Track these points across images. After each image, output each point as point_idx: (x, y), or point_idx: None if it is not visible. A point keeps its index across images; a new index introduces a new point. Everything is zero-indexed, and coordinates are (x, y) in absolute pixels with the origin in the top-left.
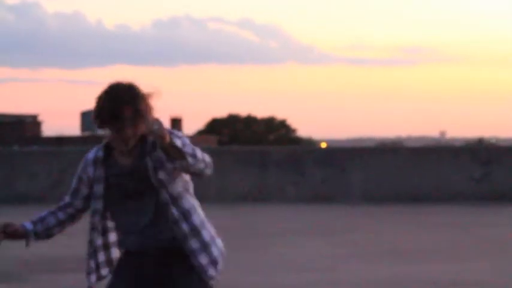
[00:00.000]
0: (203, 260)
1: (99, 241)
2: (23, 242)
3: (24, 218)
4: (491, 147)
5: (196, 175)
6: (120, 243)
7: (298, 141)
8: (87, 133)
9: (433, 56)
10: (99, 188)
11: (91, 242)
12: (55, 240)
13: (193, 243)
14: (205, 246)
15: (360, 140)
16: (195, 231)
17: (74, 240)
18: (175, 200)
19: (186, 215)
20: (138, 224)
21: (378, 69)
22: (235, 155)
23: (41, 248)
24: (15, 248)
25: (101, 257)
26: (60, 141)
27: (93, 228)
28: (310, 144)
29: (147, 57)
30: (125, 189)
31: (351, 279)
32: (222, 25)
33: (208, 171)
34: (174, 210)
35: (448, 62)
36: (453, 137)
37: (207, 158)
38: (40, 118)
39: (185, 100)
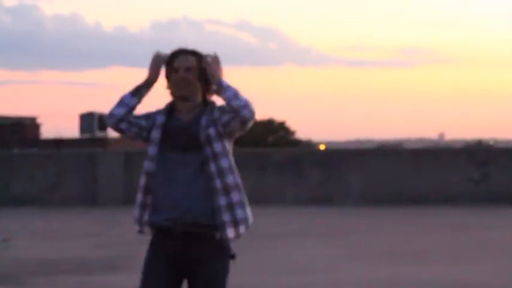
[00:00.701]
0: (226, 217)
1: (145, 198)
2: (22, 245)
3: (22, 220)
4: (489, 149)
5: (236, 114)
6: (155, 208)
7: (298, 143)
8: (86, 135)
9: (432, 57)
10: (156, 134)
11: (145, 188)
12: (52, 243)
13: (221, 200)
14: (231, 206)
15: (359, 142)
16: (226, 190)
17: (71, 242)
18: (216, 156)
19: (222, 172)
20: (181, 179)
21: (377, 70)
22: (234, 157)
23: (38, 250)
24: (13, 250)
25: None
26: (59, 143)
27: (147, 173)
28: (309, 146)
29: (145, 59)
30: (176, 141)
31: (352, 280)
32: (219, 27)
33: (246, 113)
34: (213, 166)
35: (447, 63)
36: (452, 139)
37: (249, 103)
38: (39, 120)
39: None
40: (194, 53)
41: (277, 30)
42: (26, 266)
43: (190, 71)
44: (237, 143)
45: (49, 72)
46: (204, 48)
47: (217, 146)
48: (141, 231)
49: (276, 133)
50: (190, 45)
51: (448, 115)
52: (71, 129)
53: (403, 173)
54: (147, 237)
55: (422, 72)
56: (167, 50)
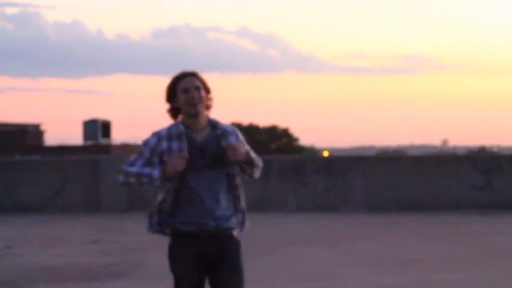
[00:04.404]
0: (235, 221)
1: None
2: (25, 252)
3: (25, 227)
4: (493, 156)
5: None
6: (181, 218)
7: (301, 149)
8: (89, 142)
9: (435, 64)
10: None
11: (165, 200)
12: (55, 250)
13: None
14: (241, 211)
15: (362, 148)
16: (238, 199)
17: (74, 249)
18: (235, 175)
19: (237, 187)
20: (210, 192)
21: (379, 77)
22: None
23: (41, 257)
24: (16, 257)
25: (155, 219)
26: (62, 150)
27: (167, 191)
28: (312, 153)
29: (147, 66)
30: (198, 161)
31: None
32: (221, 34)
33: (258, 176)
34: (237, 180)
35: (450, 70)
36: (455, 146)
37: (261, 163)
38: (42, 127)
39: None
40: (195, 74)
41: (278, 37)
42: (29, 273)
43: (198, 90)
44: None
45: (52, 80)
46: (206, 56)
47: (235, 168)
48: (163, 233)
49: (279, 140)
50: (192, 53)
51: (452, 122)
52: (75, 136)
53: (407, 179)
54: (149, 244)
55: (426, 78)
56: (169, 57)
